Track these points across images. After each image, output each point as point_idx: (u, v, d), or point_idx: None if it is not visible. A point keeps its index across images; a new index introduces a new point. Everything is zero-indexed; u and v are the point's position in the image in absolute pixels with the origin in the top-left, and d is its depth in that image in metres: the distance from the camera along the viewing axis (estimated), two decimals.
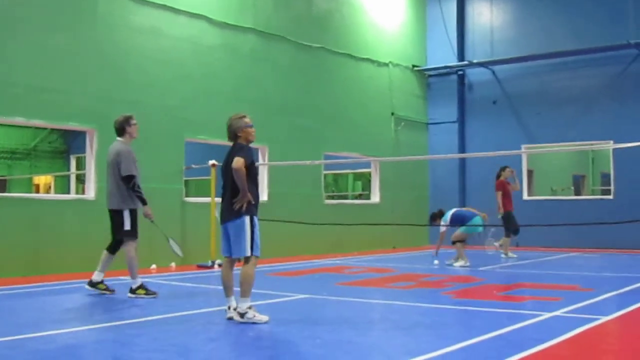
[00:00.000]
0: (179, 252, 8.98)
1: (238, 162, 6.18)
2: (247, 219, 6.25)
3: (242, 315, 6.16)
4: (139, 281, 7.92)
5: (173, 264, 11.62)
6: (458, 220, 11.88)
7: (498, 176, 13.81)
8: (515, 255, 13.59)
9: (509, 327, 5.92)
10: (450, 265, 11.88)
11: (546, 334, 5.58)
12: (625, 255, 14.52)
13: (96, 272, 8.09)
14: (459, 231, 11.91)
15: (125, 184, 7.84)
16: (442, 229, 12.06)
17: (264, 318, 6.19)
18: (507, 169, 13.94)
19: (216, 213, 10.04)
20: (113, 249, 8.13)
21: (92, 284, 8.06)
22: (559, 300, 7.70)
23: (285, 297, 7.93)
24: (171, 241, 8.78)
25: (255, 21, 14.06)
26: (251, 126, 6.49)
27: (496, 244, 13.83)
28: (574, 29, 16.94)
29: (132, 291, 7.89)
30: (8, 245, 9.91)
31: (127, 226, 7.88)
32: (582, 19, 16.89)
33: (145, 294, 7.88)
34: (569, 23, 17.10)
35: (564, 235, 14.61)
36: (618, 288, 8.73)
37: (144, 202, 7.92)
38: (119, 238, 8.04)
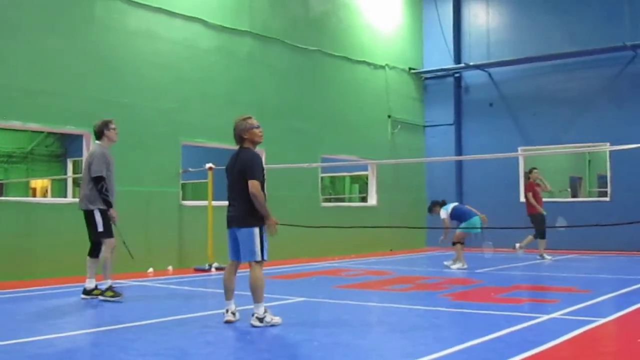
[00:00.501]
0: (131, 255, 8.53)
1: (254, 186, 6.08)
2: (256, 229, 6.21)
3: (261, 320, 6.12)
4: (108, 282, 7.89)
5: (170, 267, 11.61)
6: (457, 215, 11.82)
7: (527, 178, 13.90)
8: (550, 257, 13.61)
9: (507, 329, 5.91)
10: (448, 267, 11.88)
11: (544, 336, 5.59)
12: (622, 257, 14.54)
13: (87, 280, 8.08)
14: (458, 231, 11.90)
15: (94, 185, 7.87)
16: (443, 215, 11.93)
17: (278, 320, 6.18)
18: (535, 171, 13.95)
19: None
20: (94, 252, 8.12)
21: (87, 292, 8.04)
22: (556, 302, 7.72)
23: (283, 300, 7.91)
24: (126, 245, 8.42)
25: (251, 24, 14.06)
26: (257, 127, 6.39)
27: (518, 244, 13.94)
28: (570, 30, 16.96)
29: (100, 292, 7.88)
30: (4, 248, 9.87)
31: (100, 228, 7.91)
32: (578, 21, 16.92)
33: (112, 296, 7.83)
34: (565, 25, 17.12)
35: (561, 237, 14.61)
36: (615, 290, 8.74)
37: (108, 205, 7.91)
38: (94, 240, 8.06)
